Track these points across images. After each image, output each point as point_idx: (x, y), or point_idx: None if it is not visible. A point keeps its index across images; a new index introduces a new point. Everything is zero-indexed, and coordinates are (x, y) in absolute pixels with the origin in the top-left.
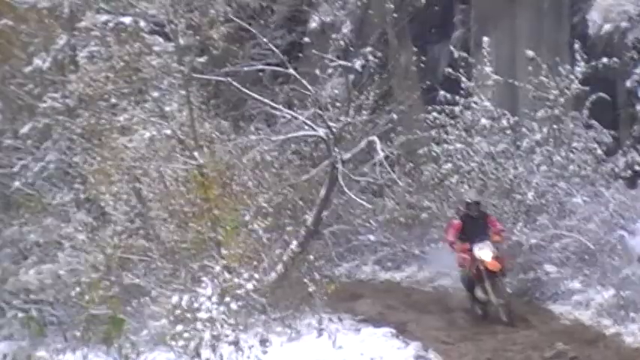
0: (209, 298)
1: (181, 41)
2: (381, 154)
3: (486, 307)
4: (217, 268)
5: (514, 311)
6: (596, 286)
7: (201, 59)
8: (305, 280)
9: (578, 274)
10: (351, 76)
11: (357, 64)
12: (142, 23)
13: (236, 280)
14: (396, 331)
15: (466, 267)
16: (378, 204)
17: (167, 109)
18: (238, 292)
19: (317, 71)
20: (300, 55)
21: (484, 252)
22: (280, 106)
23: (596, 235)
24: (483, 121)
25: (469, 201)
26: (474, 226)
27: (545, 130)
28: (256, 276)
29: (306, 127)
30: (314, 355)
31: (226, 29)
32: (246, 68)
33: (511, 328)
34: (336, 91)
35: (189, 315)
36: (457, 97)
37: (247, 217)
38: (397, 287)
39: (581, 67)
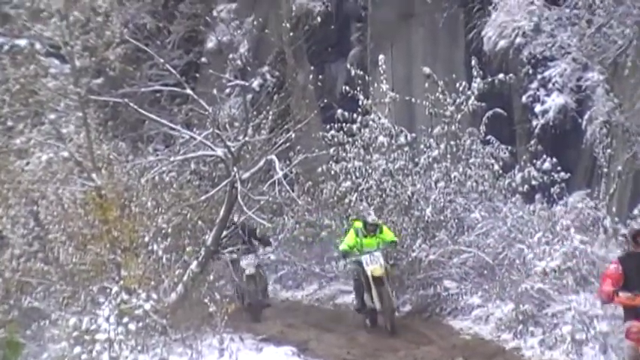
0: (107, 319)
1: (77, 63)
2: (280, 173)
3: None
4: (115, 289)
5: None
6: (495, 301)
7: (98, 81)
8: (205, 301)
9: (477, 289)
10: (249, 96)
11: (255, 83)
12: (38, 45)
13: (134, 300)
14: (297, 350)
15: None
16: (278, 223)
17: (64, 131)
18: (137, 312)
19: (215, 91)
20: (198, 75)
21: None
22: (178, 127)
23: (494, 249)
24: (381, 138)
25: (637, 227)
26: None
27: (442, 146)
28: (155, 296)
29: (205, 147)
30: None
31: (123, 50)
32: (143, 89)
33: (412, 344)
34: (234, 111)
35: (87, 337)
36: (355, 115)
37: (147, 238)
38: (298, 306)
39: (477, 84)
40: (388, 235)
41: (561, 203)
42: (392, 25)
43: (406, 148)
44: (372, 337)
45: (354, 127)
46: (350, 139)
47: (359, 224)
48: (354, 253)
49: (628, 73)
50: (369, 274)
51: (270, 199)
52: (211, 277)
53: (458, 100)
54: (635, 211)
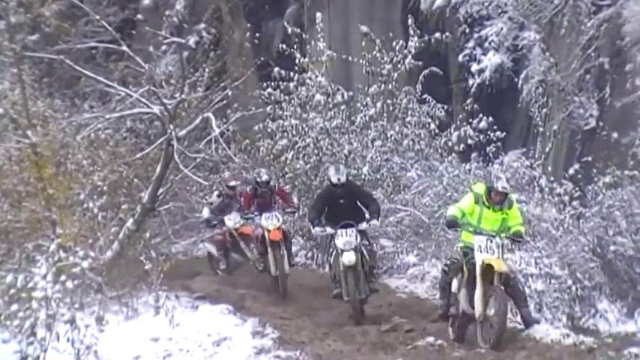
0: (44, 277)
1: (12, 19)
2: (217, 131)
3: None
4: (52, 247)
5: None
6: (430, 260)
7: (33, 37)
8: (141, 259)
9: (413, 247)
10: (185, 53)
11: (191, 40)
12: None
13: (71, 258)
14: (233, 308)
15: None
16: (215, 181)
17: None
18: (74, 270)
19: (151, 48)
20: (134, 32)
21: None
22: (114, 84)
23: (430, 208)
24: (318, 96)
25: None
26: None
27: (379, 105)
28: (92, 254)
29: (141, 105)
30: (151, 333)
31: (58, 6)
32: (79, 46)
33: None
34: (171, 68)
35: (24, 294)
36: (291, 73)
37: (82, 196)
38: (235, 265)
39: (413, 42)
40: (516, 216)
41: (497, 162)
42: None
43: (343, 107)
44: (307, 295)
45: (291, 85)
46: (287, 97)
47: (480, 189)
48: (467, 224)
49: (564, 33)
50: (478, 262)
51: (207, 156)
52: (147, 235)
53: (395, 59)
54: (570, 171)
